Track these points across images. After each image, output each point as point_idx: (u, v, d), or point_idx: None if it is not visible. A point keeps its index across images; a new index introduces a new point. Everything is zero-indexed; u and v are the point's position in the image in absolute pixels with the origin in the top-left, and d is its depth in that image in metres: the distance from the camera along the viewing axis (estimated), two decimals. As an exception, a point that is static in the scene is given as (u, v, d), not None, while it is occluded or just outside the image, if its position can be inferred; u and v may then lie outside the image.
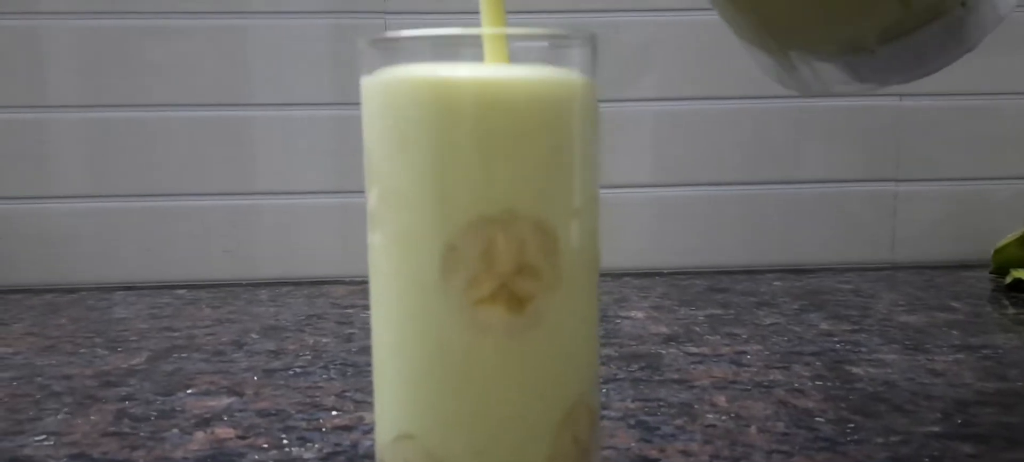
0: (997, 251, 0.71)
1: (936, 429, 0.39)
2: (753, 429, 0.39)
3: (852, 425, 0.40)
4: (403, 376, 0.25)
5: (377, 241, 0.25)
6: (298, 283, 0.73)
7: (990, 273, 0.73)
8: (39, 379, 0.48)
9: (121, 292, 0.70)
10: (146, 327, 0.59)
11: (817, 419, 0.40)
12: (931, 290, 0.68)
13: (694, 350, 0.52)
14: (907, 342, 0.53)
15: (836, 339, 0.54)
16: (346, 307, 0.64)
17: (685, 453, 0.37)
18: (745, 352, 0.51)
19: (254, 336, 0.56)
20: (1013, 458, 0.36)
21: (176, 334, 0.57)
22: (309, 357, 0.51)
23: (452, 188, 0.23)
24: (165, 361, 0.51)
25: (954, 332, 0.55)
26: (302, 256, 0.75)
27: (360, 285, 0.70)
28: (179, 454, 0.37)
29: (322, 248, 0.76)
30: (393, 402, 0.25)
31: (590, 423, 0.26)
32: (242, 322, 0.60)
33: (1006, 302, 0.64)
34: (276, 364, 0.50)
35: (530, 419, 0.24)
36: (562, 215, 0.24)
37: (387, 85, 0.24)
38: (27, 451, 0.38)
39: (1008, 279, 0.68)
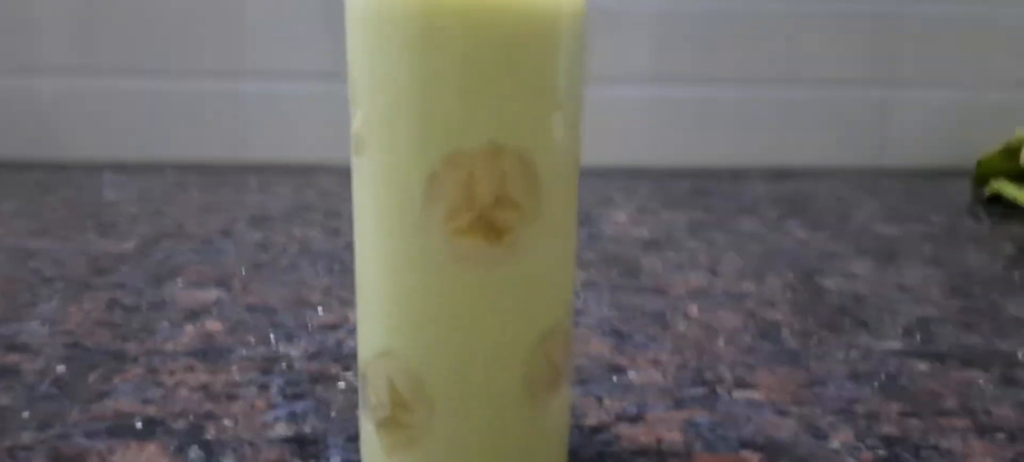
0: (981, 162, 0.71)
1: (896, 345, 0.41)
2: (721, 341, 0.41)
3: (816, 338, 0.42)
4: (384, 296, 0.26)
5: (361, 165, 0.26)
6: (287, 168, 0.74)
7: (973, 183, 0.74)
8: (32, 262, 0.49)
9: (111, 172, 0.70)
10: (136, 211, 0.60)
11: (783, 332, 0.42)
12: (913, 199, 0.70)
13: (673, 256, 0.53)
14: (880, 255, 0.55)
15: (811, 249, 0.56)
16: (333, 199, 0.65)
17: (654, 362, 0.39)
18: (720, 262, 0.53)
19: (242, 225, 0.57)
20: (964, 377, 0.38)
21: (165, 220, 0.58)
22: (296, 250, 0.52)
23: (433, 118, 0.24)
24: (155, 248, 0.52)
25: (927, 245, 0.57)
26: (291, 139, 0.76)
27: (347, 175, 0.70)
28: (169, 346, 0.39)
29: (311, 132, 0.76)
30: (375, 319, 0.27)
31: (564, 345, 0.28)
32: (231, 210, 0.61)
33: (983, 216, 0.65)
34: (264, 257, 0.51)
35: (506, 342, 0.26)
36: (544, 149, 0.25)
37: (368, 4, 0.24)
38: (23, 337, 0.40)
39: (988, 192, 0.69)
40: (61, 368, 0.37)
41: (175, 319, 0.42)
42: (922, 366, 0.39)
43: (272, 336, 0.40)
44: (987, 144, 0.79)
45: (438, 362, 0.26)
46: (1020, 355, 0.40)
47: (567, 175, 0.26)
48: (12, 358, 0.38)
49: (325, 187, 0.68)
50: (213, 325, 0.41)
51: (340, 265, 0.50)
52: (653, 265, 0.52)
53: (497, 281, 0.25)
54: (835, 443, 0.32)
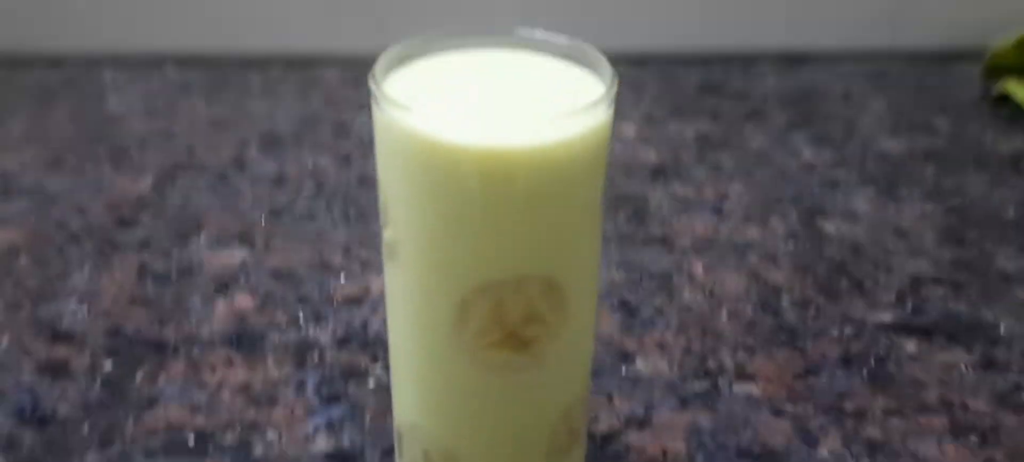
0: (993, 54, 0.70)
1: (887, 318, 0.44)
2: (724, 314, 0.44)
3: (814, 309, 0.44)
4: (416, 382, 0.28)
5: (394, 270, 0.27)
6: (289, 62, 0.72)
7: (983, 76, 0.73)
8: (54, 211, 0.50)
9: (110, 70, 0.69)
10: (144, 130, 0.60)
11: (783, 301, 0.45)
12: (921, 95, 0.69)
13: (680, 190, 0.54)
14: (882, 184, 0.56)
15: (816, 177, 0.56)
16: (340, 107, 0.65)
17: (660, 346, 0.41)
18: (727, 197, 0.54)
19: (254, 152, 0.57)
20: (947, 359, 0.41)
21: (176, 144, 0.58)
22: (311, 189, 0.53)
23: (462, 253, 0.25)
24: (171, 187, 0.53)
25: (929, 168, 0.58)
26: (293, 29, 0.73)
27: (351, 71, 0.69)
28: (205, 332, 0.41)
29: (313, 21, 0.73)
30: (408, 394, 0.29)
31: (583, 412, 0.30)
32: (239, 127, 0.61)
33: (989, 122, 0.65)
34: (280, 199, 0.52)
35: (531, 424, 0.28)
36: (569, 270, 0.26)
37: (398, 139, 0.24)
38: (66, 323, 0.42)
39: (997, 91, 0.68)
40: (108, 364, 0.39)
41: (205, 292, 0.44)
42: (910, 346, 0.42)
43: (301, 315, 0.43)
44: (998, 27, 0.77)
45: (468, 441, 0.28)
46: (1002, 329, 0.43)
47: (590, 284, 0.28)
48: (60, 351, 0.40)
49: (330, 88, 0.67)
50: (243, 300, 0.43)
51: (355, 208, 0.51)
52: (660, 202, 0.53)
53: (524, 381, 0.27)
54: (824, 452, 0.36)
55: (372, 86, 0.24)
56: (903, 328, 0.43)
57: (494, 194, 0.23)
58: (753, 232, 0.51)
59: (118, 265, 0.46)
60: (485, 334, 0.25)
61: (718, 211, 0.53)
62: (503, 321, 0.25)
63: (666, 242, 0.49)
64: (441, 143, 0.22)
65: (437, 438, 0.28)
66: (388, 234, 0.26)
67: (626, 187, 0.55)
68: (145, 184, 0.53)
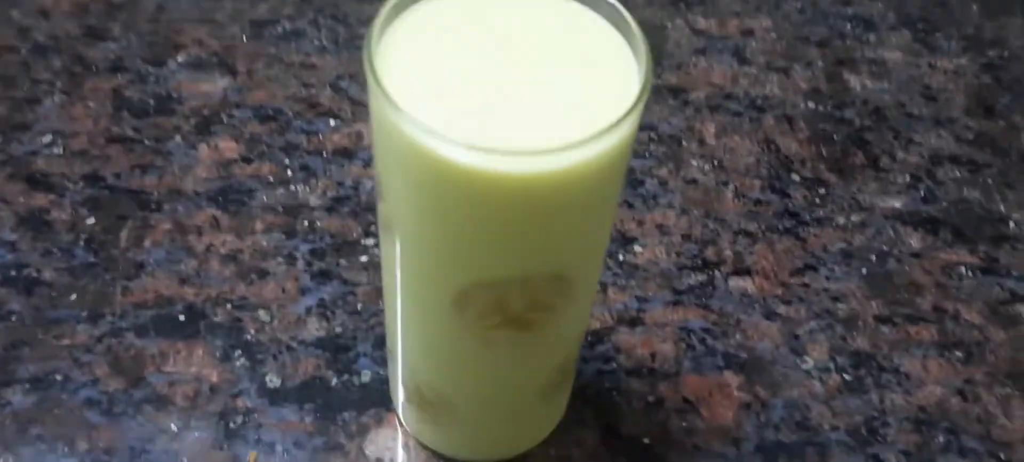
0: None
1: (896, 205, 0.43)
2: (730, 192, 0.42)
3: (822, 191, 0.43)
4: (412, 337, 0.28)
5: (389, 242, 0.25)
6: None
7: None
8: (15, 13, 0.46)
9: None
10: None
11: (793, 177, 0.43)
12: None
13: (702, 23, 0.50)
14: (919, 26, 0.52)
15: (850, 14, 0.52)
16: None
17: (661, 228, 0.41)
18: (751, 34, 0.50)
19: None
20: (950, 259, 0.41)
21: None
22: (295, 0, 0.49)
23: (464, 254, 0.23)
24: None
25: (973, 8, 0.53)
26: None
27: None
28: (189, 184, 0.40)
29: None
30: (402, 339, 0.29)
31: (576, 356, 0.31)
32: None
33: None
34: (261, 9, 0.48)
35: (525, 378, 0.28)
36: (580, 264, 0.25)
37: (395, 137, 0.21)
38: (40, 163, 0.40)
39: None
40: (91, 220, 0.38)
41: (186, 132, 0.42)
42: (914, 240, 0.41)
43: (289, 169, 0.41)
44: None
45: (463, 390, 0.29)
46: (1011, 224, 0.43)
47: (600, 264, 0.26)
48: (39, 199, 0.39)
49: None
50: (227, 146, 0.42)
51: (344, 29, 0.47)
52: (678, 38, 0.49)
53: (523, 349, 0.27)
54: (809, 362, 0.37)
55: (366, 64, 0.21)
56: (911, 217, 0.43)
57: (502, 211, 0.21)
58: (773, 85, 0.48)
59: (91, 92, 0.44)
60: (486, 318, 0.25)
61: (739, 54, 0.50)
62: (505, 309, 0.24)
63: (681, 90, 0.47)
64: (444, 159, 0.20)
65: (431, 382, 0.29)
66: (383, 209, 0.25)
67: (644, 14, 0.51)
68: (112, -21, 0.49)
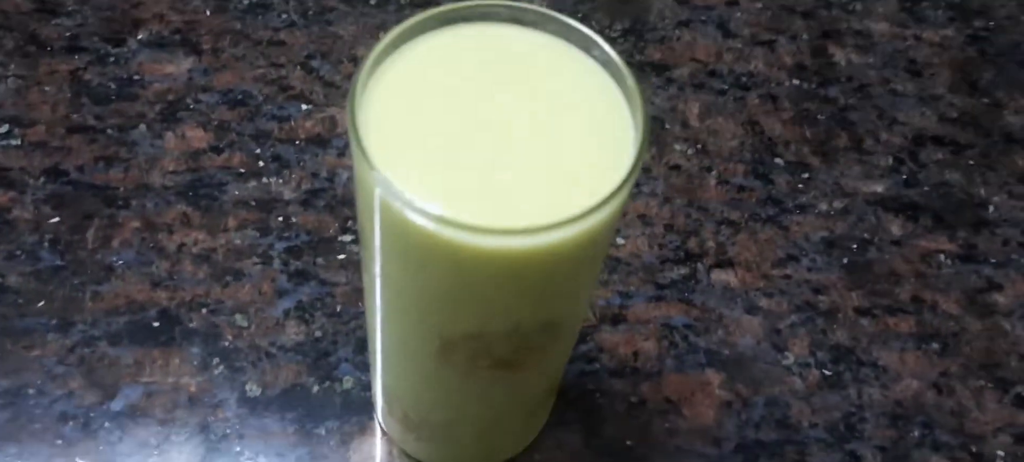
0: None
1: (878, 189, 0.43)
2: (713, 178, 0.42)
3: (805, 175, 0.43)
4: (395, 367, 0.28)
5: (370, 278, 0.25)
6: None
7: None
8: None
9: None
10: None
11: (776, 161, 0.44)
12: None
13: (685, -11, 0.50)
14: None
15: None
16: None
17: (643, 219, 0.41)
18: (737, 4, 0.49)
19: None
20: (929, 246, 0.42)
21: None
22: None
23: (447, 312, 0.23)
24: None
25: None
26: None
27: None
28: (156, 178, 0.39)
29: None
30: (386, 365, 0.29)
31: (561, 376, 0.31)
32: None
33: None
34: None
35: (512, 405, 0.29)
36: (568, 311, 0.25)
37: (382, 209, 0.21)
38: (-2, 156, 0.39)
39: None
40: (55, 219, 0.38)
41: (151, 119, 0.41)
42: (895, 227, 0.42)
43: (260, 160, 0.40)
44: None
45: (447, 416, 0.30)
46: (991, 209, 0.43)
47: (585, 307, 0.26)
48: (-2, 197, 0.38)
49: None
50: (194, 135, 0.41)
51: (313, 1, 0.47)
52: (663, 8, 0.49)
53: (510, 383, 0.27)
54: (789, 357, 0.38)
55: (349, 123, 0.21)
56: (893, 203, 0.43)
57: (489, 280, 0.21)
58: (758, 61, 0.48)
59: (47, 75, 0.42)
60: (472, 361, 0.25)
61: (724, 26, 0.49)
62: (492, 354, 0.24)
63: (664, 66, 0.47)
64: (428, 232, 0.20)
65: (414, 407, 0.29)
66: (364, 255, 0.25)
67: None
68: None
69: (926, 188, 0.44)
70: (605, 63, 0.23)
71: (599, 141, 0.22)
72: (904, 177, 0.45)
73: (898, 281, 0.41)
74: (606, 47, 0.23)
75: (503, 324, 0.23)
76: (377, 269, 0.23)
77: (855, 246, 0.42)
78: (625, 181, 0.20)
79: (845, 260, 0.42)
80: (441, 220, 0.19)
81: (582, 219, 0.20)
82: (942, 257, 0.42)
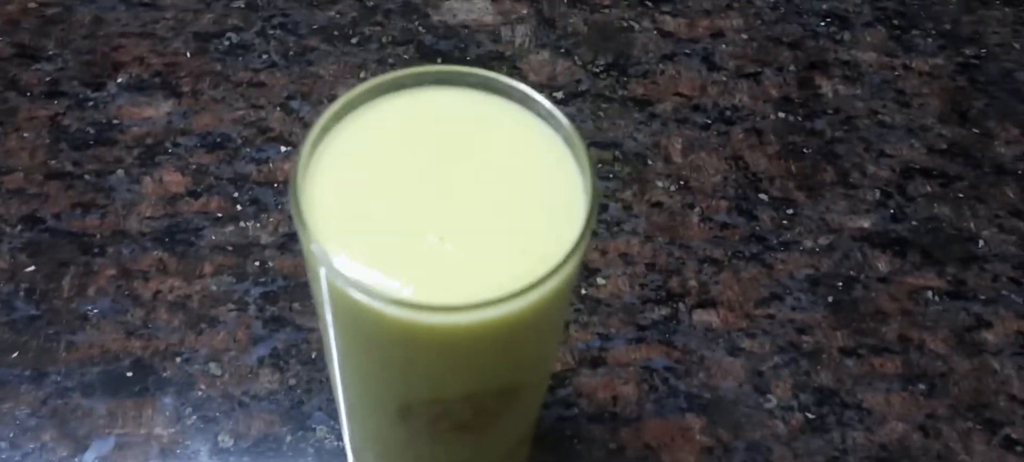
0: None
1: (865, 224, 0.43)
2: (696, 216, 0.42)
3: (790, 211, 0.43)
4: (365, 438, 0.28)
5: (328, 347, 0.25)
6: None
7: None
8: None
9: None
10: None
11: (761, 196, 0.43)
12: None
13: (670, 23, 0.49)
14: (894, 23, 0.51)
15: (823, 11, 0.51)
16: None
17: (625, 257, 0.41)
18: (722, 36, 0.49)
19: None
20: (917, 283, 0.41)
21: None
22: (240, 7, 0.47)
23: (407, 379, 0.23)
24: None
25: (950, 4, 0.53)
26: None
27: None
28: (133, 225, 0.39)
29: None
30: (356, 439, 0.29)
31: (531, 433, 0.31)
32: None
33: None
34: (206, 21, 0.46)
35: (483, 457, 0.29)
36: (527, 377, 0.25)
37: (330, 288, 0.21)
38: (-25, 204, 0.39)
39: None
40: (31, 267, 0.38)
41: (129, 164, 0.41)
42: (881, 264, 0.42)
43: (238, 204, 0.40)
44: None
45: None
46: (980, 243, 0.43)
47: (547, 372, 0.26)
48: (-26, 246, 0.38)
49: None
50: (172, 179, 0.41)
51: (294, 40, 0.46)
52: (646, 43, 0.48)
53: (474, 444, 0.27)
54: (772, 400, 0.37)
55: (292, 202, 0.21)
56: (880, 238, 0.43)
57: (442, 352, 0.21)
58: (743, 94, 0.48)
59: (26, 121, 0.42)
60: (432, 425, 0.25)
61: (709, 59, 0.49)
62: (452, 418, 0.24)
63: (646, 102, 0.46)
64: (377, 312, 0.20)
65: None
66: (321, 324, 0.24)
67: (610, 15, 0.50)
68: (45, -12, 0.47)
69: (914, 223, 0.44)
70: (556, 127, 0.23)
71: (550, 208, 0.21)
72: (891, 211, 0.44)
73: (884, 319, 0.41)
74: (556, 112, 0.23)
75: (459, 392, 0.23)
76: (330, 336, 0.23)
77: (841, 284, 0.42)
78: (573, 250, 0.20)
79: (830, 298, 0.41)
80: (384, 298, 0.19)
81: (531, 290, 0.20)
82: (930, 294, 0.42)
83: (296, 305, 0.38)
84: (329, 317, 0.22)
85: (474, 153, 0.22)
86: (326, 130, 0.22)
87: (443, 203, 0.21)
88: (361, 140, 0.22)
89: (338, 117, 0.22)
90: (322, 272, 0.20)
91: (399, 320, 0.20)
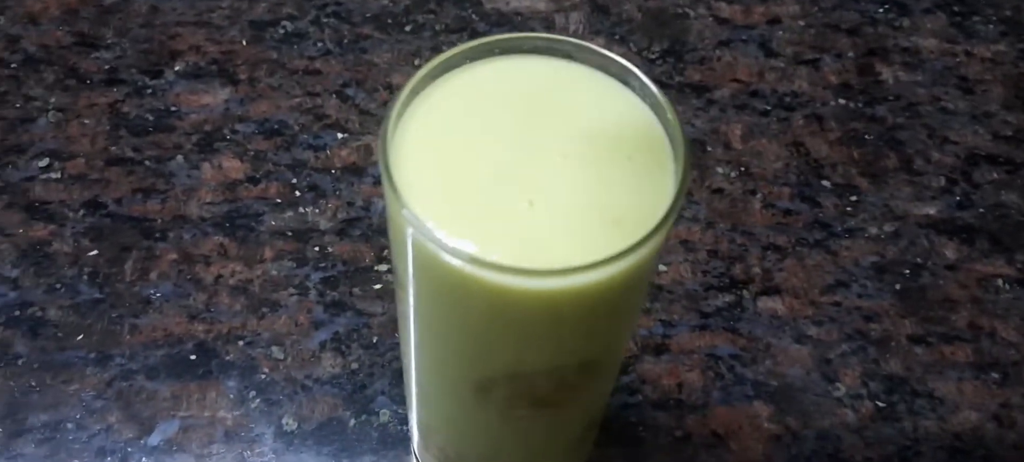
0: None
1: (931, 212, 0.42)
2: (758, 202, 0.42)
3: (854, 198, 0.42)
4: (433, 405, 0.28)
5: (406, 316, 0.25)
6: None
7: None
8: (2, 22, 0.45)
9: None
10: None
11: (823, 183, 0.43)
12: None
13: (726, 9, 0.49)
14: (954, 9, 0.50)
15: (880, 3, 0.50)
16: None
17: (686, 244, 0.40)
18: (779, 22, 0.49)
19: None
20: (986, 271, 0.40)
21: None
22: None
23: (490, 351, 0.23)
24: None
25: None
26: None
27: None
28: (194, 210, 0.39)
29: None
30: (426, 417, 0.29)
31: (602, 413, 0.30)
32: None
33: None
34: (261, 10, 0.46)
35: (552, 442, 0.28)
36: (607, 351, 0.24)
37: (416, 250, 0.21)
38: (38, 190, 0.40)
39: None
40: (94, 252, 0.38)
41: (188, 150, 0.41)
42: (949, 251, 0.41)
43: (296, 190, 0.40)
44: None
45: (485, 456, 0.29)
46: (1051, 230, 0.42)
47: (623, 346, 0.26)
48: (39, 231, 0.38)
49: None
50: (231, 165, 0.41)
51: (349, 29, 0.46)
52: (702, 29, 0.48)
53: (547, 424, 0.27)
54: (841, 388, 0.37)
55: (381, 162, 0.21)
56: (946, 226, 0.42)
57: (526, 320, 0.21)
58: (802, 80, 0.47)
59: (86, 108, 0.43)
60: (510, 401, 0.24)
61: (766, 45, 0.48)
62: (531, 394, 0.24)
63: (704, 88, 0.46)
64: (464, 273, 0.19)
65: (454, 443, 0.29)
66: (400, 294, 0.24)
67: (665, 2, 0.49)
68: (102, -21, 0.48)
69: (981, 210, 0.43)
70: (643, 94, 0.23)
71: (637, 177, 0.21)
72: (957, 198, 0.44)
73: (953, 307, 0.40)
74: (644, 78, 0.22)
75: (541, 364, 0.23)
76: (411, 307, 0.23)
77: (907, 271, 0.41)
78: (665, 219, 0.20)
79: (897, 286, 0.40)
80: (475, 261, 0.19)
81: (620, 259, 0.19)
82: (1000, 282, 0.41)
83: (356, 290, 0.38)
84: (412, 286, 0.22)
85: (562, 119, 0.22)
86: (415, 93, 0.22)
87: (531, 169, 0.21)
88: (449, 105, 0.22)
89: (424, 84, 0.22)
90: (409, 234, 0.20)
91: (486, 283, 0.19)
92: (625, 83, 0.23)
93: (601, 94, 0.22)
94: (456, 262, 0.20)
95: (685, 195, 0.21)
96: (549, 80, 0.22)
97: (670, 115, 0.22)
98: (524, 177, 0.21)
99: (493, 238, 0.20)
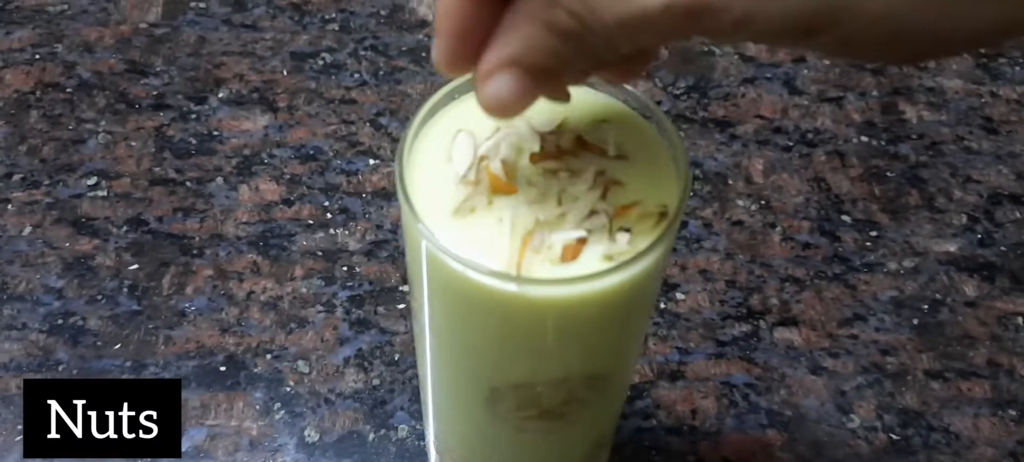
0: None
1: (951, 249, 0.42)
2: (777, 235, 0.42)
3: (874, 233, 0.42)
4: (450, 428, 0.28)
5: (419, 327, 0.26)
6: None
7: None
8: (62, 49, 0.47)
9: None
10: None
11: (844, 218, 0.43)
12: None
13: (751, 47, 0.50)
14: (980, 53, 0.50)
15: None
16: None
17: (704, 274, 0.41)
18: (803, 61, 0.49)
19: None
20: (1006, 308, 0.40)
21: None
22: (335, 30, 0.49)
23: (495, 360, 0.24)
24: (181, 19, 0.49)
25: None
26: None
27: None
28: (230, 230, 0.41)
29: None
30: (441, 430, 0.29)
31: (614, 426, 0.31)
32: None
33: None
34: (302, 42, 0.48)
35: (563, 456, 0.29)
36: (616, 364, 0.25)
37: (429, 261, 0.22)
38: (85, 206, 0.42)
39: None
40: (134, 266, 0.40)
41: (228, 173, 0.43)
42: (969, 288, 0.41)
43: (328, 212, 0.42)
44: None
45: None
46: (1075, 271, 0.42)
47: (633, 362, 0.26)
48: (84, 245, 0.40)
49: None
50: (267, 188, 0.43)
51: (385, 61, 0.48)
52: (726, 67, 0.49)
53: (558, 437, 0.27)
54: (855, 420, 0.37)
55: (397, 179, 0.22)
56: (967, 262, 0.42)
57: (536, 329, 0.22)
58: (825, 117, 0.47)
59: (134, 131, 0.45)
60: (520, 411, 0.25)
61: (790, 83, 0.49)
62: (540, 404, 0.25)
63: (727, 123, 0.47)
64: (475, 283, 0.20)
65: (468, 457, 0.29)
66: (414, 304, 0.25)
67: (691, 40, 0.50)
68: (155, 13, 0.50)
69: (1003, 248, 0.43)
70: (648, 115, 0.23)
71: (643, 191, 0.22)
72: (979, 236, 0.43)
73: (972, 344, 0.40)
74: (649, 103, 0.23)
75: (551, 374, 0.23)
76: (426, 318, 0.24)
77: (926, 307, 0.41)
78: (668, 228, 0.20)
79: (915, 321, 0.40)
80: (488, 271, 0.20)
81: (627, 267, 0.20)
82: (1020, 320, 0.40)
83: (381, 309, 0.39)
84: (426, 293, 0.23)
85: (571, 138, 0.23)
86: (433, 112, 0.23)
87: (541, 185, 0.22)
88: (463, 123, 0.23)
89: (441, 105, 0.23)
90: (423, 245, 0.21)
91: (498, 293, 0.20)
92: (632, 107, 0.24)
93: (608, 114, 0.23)
94: (467, 272, 0.20)
95: (682, 212, 0.22)
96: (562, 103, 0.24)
97: (670, 130, 0.22)
98: (535, 191, 0.22)
99: (503, 250, 0.21)
